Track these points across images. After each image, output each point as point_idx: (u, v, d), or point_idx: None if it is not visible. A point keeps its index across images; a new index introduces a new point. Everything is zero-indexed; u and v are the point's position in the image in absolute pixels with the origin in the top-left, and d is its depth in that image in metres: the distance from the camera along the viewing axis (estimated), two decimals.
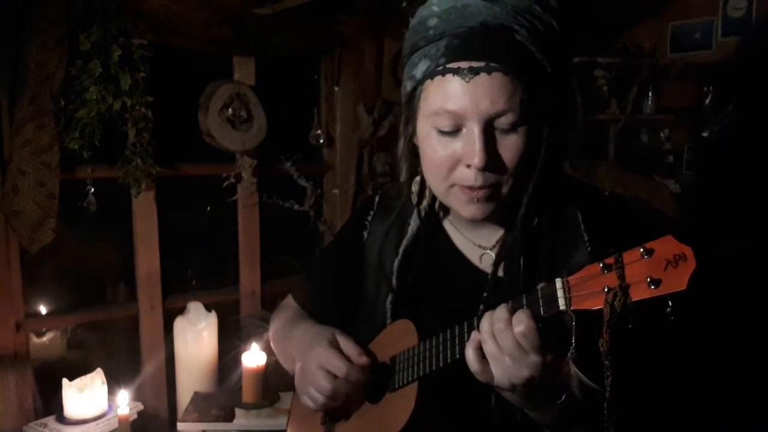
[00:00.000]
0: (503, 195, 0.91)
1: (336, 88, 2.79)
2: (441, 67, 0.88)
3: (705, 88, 2.94)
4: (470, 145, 0.87)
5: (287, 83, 2.73)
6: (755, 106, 2.72)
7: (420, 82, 0.93)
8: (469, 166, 0.88)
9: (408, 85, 0.96)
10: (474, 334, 0.83)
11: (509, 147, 0.88)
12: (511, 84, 0.86)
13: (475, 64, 0.86)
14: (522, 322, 0.77)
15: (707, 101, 2.93)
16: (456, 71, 0.87)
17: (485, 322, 0.81)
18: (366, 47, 2.73)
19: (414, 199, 1.06)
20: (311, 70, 2.83)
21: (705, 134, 2.91)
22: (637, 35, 3.21)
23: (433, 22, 0.90)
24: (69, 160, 2.09)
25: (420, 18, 0.93)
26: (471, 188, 0.90)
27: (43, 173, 1.99)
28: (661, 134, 3.18)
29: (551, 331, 0.79)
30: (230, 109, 2.39)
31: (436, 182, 0.96)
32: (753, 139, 2.69)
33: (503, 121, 0.87)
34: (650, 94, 3.17)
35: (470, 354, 0.82)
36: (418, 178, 1.04)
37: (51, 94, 1.97)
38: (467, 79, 0.86)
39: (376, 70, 2.76)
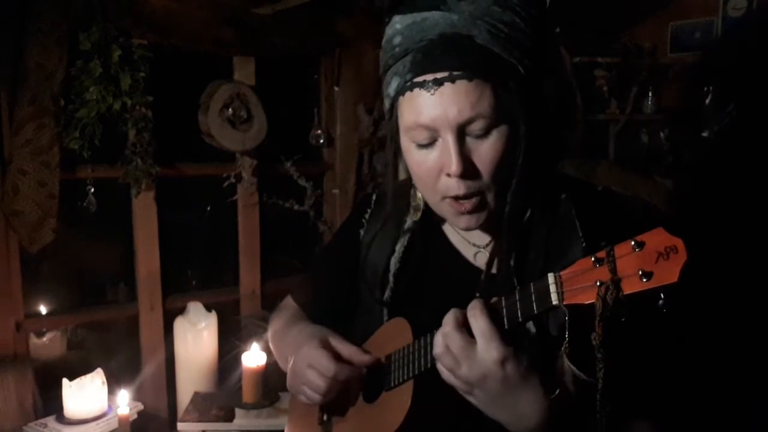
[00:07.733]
0: (490, 202, 0.92)
1: (336, 88, 2.80)
2: (408, 83, 0.90)
3: (705, 88, 2.93)
4: (446, 154, 0.89)
5: (287, 83, 2.73)
6: (755, 106, 2.71)
7: (394, 99, 0.95)
8: (449, 175, 0.89)
9: (386, 103, 0.99)
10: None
11: (485, 152, 0.89)
12: (477, 89, 0.86)
13: (438, 75, 0.87)
14: (475, 309, 0.81)
15: (707, 101, 2.92)
16: (421, 85, 0.88)
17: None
18: (366, 47, 2.72)
19: (414, 201, 1.07)
20: (311, 70, 2.83)
21: (705, 134, 2.90)
22: (637, 35, 3.21)
23: (397, 39, 0.92)
24: (69, 160, 2.10)
25: (387, 37, 0.95)
26: (458, 201, 0.91)
27: (43, 173, 1.99)
28: (661, 134, 3.17)
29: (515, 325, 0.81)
30: (230, 109, 2.40)
31: (427, 194, 0.98)
32: (753, 139, 2.68)
33: (474, 128, 0.88)
34: (650, 94, 3.17)
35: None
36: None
37: (51, 94, 1.97)
38: (432, 91, 0.87)
39: (376, 71, 2.75)
